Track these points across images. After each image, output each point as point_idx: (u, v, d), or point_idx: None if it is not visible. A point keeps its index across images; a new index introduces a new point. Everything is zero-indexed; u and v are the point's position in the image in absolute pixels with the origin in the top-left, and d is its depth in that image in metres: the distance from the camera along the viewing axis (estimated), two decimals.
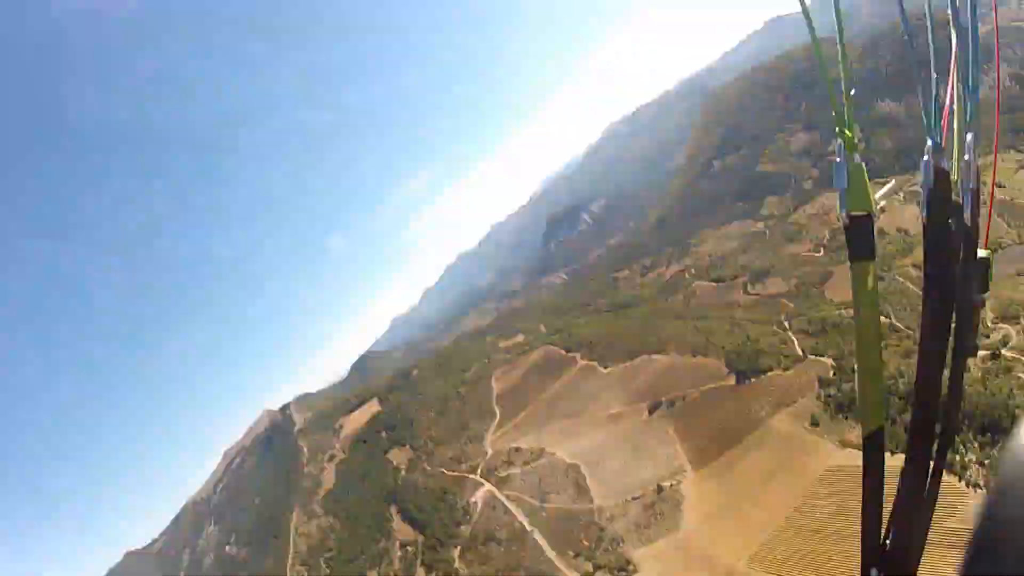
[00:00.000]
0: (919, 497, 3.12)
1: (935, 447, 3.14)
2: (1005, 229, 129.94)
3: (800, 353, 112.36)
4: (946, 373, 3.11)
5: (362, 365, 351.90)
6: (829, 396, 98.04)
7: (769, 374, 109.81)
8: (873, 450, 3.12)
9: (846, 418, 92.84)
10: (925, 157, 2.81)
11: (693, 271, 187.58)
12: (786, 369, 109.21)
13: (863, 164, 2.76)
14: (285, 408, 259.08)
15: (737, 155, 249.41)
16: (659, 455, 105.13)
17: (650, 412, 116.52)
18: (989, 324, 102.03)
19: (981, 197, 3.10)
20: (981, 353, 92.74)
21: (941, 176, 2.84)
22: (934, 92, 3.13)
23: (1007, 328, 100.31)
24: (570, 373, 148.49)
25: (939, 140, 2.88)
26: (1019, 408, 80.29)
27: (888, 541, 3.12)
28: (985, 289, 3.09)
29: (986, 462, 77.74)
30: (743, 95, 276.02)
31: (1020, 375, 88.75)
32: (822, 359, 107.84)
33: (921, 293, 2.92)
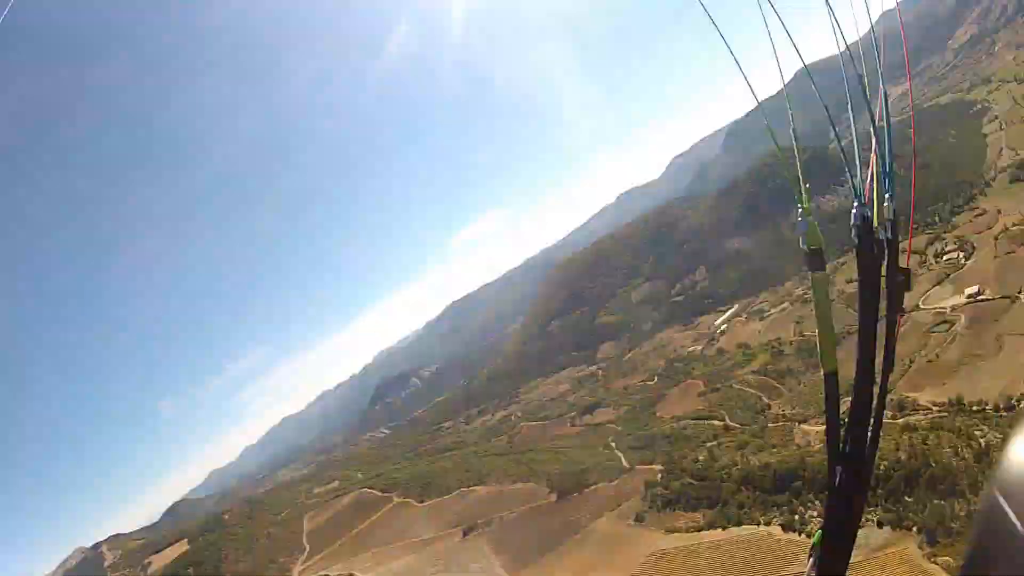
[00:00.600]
0: (866, 418, 4.12)
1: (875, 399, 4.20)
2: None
3: (626, 465, 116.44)
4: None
5: (175, 510, 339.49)
6: (656, 495, 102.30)
7: (594, 487, 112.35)
8: (831, 384, 4.19)
9: (674, 510, 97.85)
10: (854, 209, 4.30)
11: (519, 414, 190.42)
12: (611, 480, 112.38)
13: (816, 221, 4.21)
14: (97, 546, 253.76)
15: (576, 314, 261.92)
16: (472, 569, 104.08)
17: (464, 534, 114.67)
18: None
19: (899, 240, 4.54)
20: (822, 427, 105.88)
21: (865, 222, 4.29)
22: (859, 168, 4.75)
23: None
24: (384, 510, 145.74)
25: (863, 198, 4.38)
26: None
27: (846, 447, 4.11)
28: (902, 302, 4.46)
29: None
30: (588, 262, 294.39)
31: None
32: (651, 466, 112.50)
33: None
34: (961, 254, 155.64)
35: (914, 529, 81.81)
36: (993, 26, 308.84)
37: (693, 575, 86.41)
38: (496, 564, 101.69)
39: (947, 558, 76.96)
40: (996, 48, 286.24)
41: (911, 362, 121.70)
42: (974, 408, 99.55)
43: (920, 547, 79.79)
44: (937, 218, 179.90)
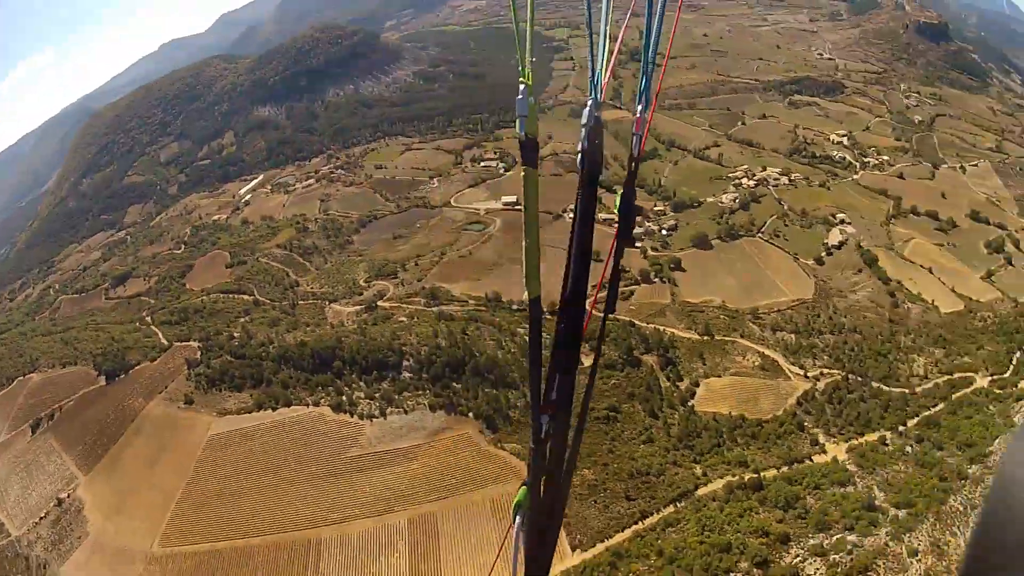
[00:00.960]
0: (570, 365, 4.11)
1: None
2: (383, 202, 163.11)
3: (165, 342, 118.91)
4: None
5: None
6: (200, 375, 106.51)
7: (138, 366, 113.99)
8: (535, 313, 4.02)
9: (220, 390, 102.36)
10: (588, 106, 4.11)
11: (57, 286, 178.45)
12: (153, 360, 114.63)
13: (536, 103, 3.99)
14: None
15: (107, 171, 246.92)
16: (50, 470, 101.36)
17: (33, 431, 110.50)
18: (362, 283, 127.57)
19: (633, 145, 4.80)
20: (355, 308, 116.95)
21: (597, 120, 4.14)
22: (600, 61, 4.65)
23: (384, 283, 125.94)
24: None
25: (599, 99, 4.24)
26: (404, 345, 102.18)
27: (552, 392, 4.08)
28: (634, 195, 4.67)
29: (376, 396, 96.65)
30: (122, 114, 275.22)
31: (402, 319, 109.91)
32: (189, 343, 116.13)
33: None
34: (501, 164, 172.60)
35: (470, 415, 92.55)
36: None
37: (253, 460, 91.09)
38: (70, 464, 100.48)
39: (514, 445, 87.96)
40: None
41: (443, 254, 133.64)
42: (515, 307, 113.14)
43: (481, 432, 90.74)
44: (480, 127, 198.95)
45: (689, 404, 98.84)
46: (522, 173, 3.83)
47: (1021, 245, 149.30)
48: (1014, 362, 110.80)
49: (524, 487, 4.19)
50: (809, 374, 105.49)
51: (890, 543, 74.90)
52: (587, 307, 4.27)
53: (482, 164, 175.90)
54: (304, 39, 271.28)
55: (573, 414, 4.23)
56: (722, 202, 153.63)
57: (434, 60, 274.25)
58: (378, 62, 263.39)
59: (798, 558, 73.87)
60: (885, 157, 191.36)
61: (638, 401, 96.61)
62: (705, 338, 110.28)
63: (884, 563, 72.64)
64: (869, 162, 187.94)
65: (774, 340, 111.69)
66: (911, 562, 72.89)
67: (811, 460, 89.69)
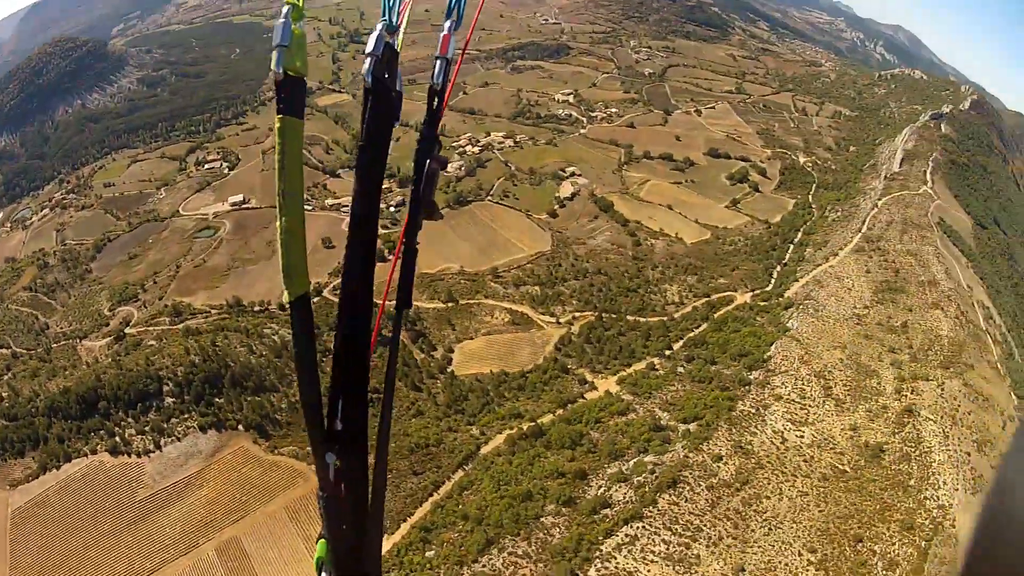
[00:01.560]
0: (358, 384, 3.17)
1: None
2: (115, 222, 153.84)
3: None
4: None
5: None
6: None
7: None
8: (302, 317, 3.10)
9: (5, 460, 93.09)
10: (378, 30, 3.13)
11: None
12: None
13: (305, 32, 3.04)
14: None
15: None
16: None
17: None
18: (107, 312, 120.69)
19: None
20: (105, 341, 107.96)
21: (389, 50, 3.16)
22: None
23: (128, 309, 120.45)
24: None
25: (394, 22, 3.26)
26: (160, 370, 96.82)
27: (339, 420, 3.16)
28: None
29: (147, 429, 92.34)
30: None
31: (152, 343, 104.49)
32: None
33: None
34: (225, 164, 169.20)
35: (240, 427, 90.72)
36: None
37: (55, 527, 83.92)
38: None
39: (290, 447, 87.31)
40: None
41: (178, 267, 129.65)
42: (256, 308, 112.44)
43: (256, 442, 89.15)
44: (202, 128, 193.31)
45: (449, 371, 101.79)
46: (276, 124, 2.94)
47: (768, 172, 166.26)
48: (774, 276, 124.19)
49: (322, 540, 3.44)
50: (561, 320, 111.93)
51: (690, 454, 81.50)
52: (374, 304, 3.36)
53: (207, 167, 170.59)
54: (39, 57, 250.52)
55: (371, 444, 3.40)
56: (447, 172, 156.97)
57: (157, 63, 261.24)
58: (104, 72, 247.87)
59: (601, 489, 78.39)
60: (614, 110, 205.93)
61: (397, 378, 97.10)
62: (450, 304, 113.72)
63: (691, 473, 79.21)
64: (596, 116, 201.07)
65: (519, 295, 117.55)
66: (718, 466, 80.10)
67: (584, 398, 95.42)
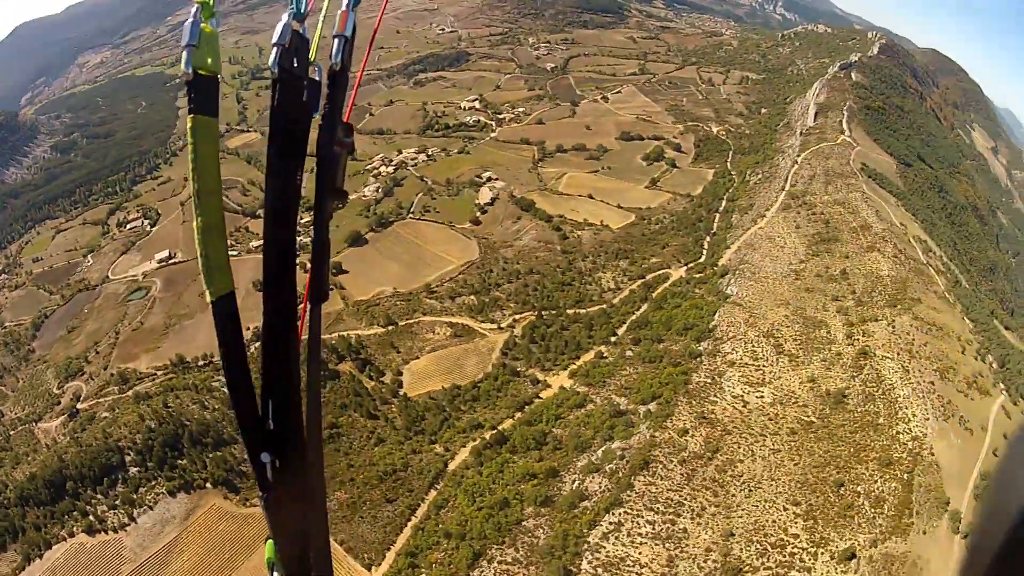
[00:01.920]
0: (286, 381, 3.17)
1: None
2: (49, 297, 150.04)
3: None
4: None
5: None
6: None
7: None
8: (227, 318, 3.07)
9: None
10: (284, 19, 3.06)
11: None
12: None
13: (217, 31, 3.05)
14: None
15: None
16: None
17: None
18: (56, 390, 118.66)
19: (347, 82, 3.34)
20: (60, 420, 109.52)
21: (298, 38, 3.09)
22: None
23: (76, 383, 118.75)
24: None
25: (302, 10, 3.18)
26: (119, 441, 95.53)
27: (269, 419, 3.16)
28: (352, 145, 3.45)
29: (117, 503, 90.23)
30: None
31: (105, 415, 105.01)
32: None
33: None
34: (146, 221, 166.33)
35: (208, 485, 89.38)
36: (227, 11, 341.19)
37: None
38: None
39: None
40: (220, 30, 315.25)
41: (117, 333, 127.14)
42: (201, 363, 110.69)
43: (226, 498, 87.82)
44: (119, 188, 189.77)
45: (401, 394, 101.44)
46: (188, 123, 2.94)
47: (683, 147, 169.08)
48: (705, 247, 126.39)
49: (269, 541, 3.53)
50: (503, 325, 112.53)
51: (655, 434, 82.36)
52: (297, 300, 3.30)
53: (128, 227, 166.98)
54: None
55: (307, 442, 3.34)
56: (365, 195, 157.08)
57: (68, 128, 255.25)
58: (18, 144, 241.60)
59: (576, 482, 78.86)
60: (521, 109, 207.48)
61: (352, 409, 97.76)
62: (390, 328, 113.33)
63: (660, 451, 79.99)
64: (505, 118, 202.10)
65: (456, 307, 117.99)
66: (686, 440, 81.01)
67: (540, 398, 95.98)
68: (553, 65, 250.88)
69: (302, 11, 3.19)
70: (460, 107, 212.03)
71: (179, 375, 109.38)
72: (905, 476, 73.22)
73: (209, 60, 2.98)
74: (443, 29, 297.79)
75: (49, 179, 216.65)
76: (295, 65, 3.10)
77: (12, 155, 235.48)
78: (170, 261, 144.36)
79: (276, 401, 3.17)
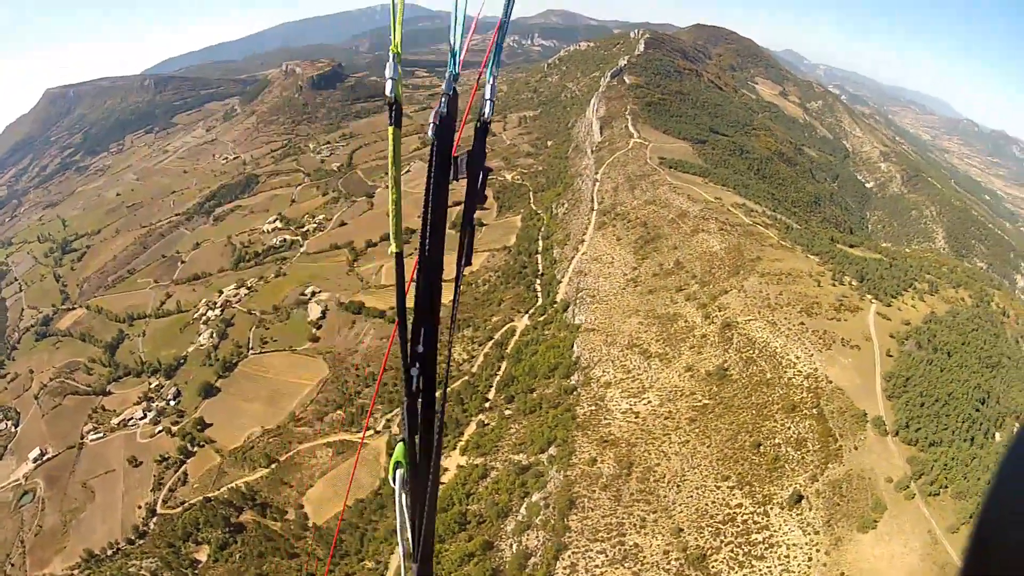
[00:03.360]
0: (431, 317, 4.33)
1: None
2: None
3: None
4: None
5: None
6: None
7: None
8: (400, 268, 4.29)
9: None
10: (448, 73, 4.18)
11: None
12: None
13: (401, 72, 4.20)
14: None
15: None
16: None
17: None
18: None
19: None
20: None
21: (452, 105, 4.15)
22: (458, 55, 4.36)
23: None
24: None
25: (454, 87, 4.20)
26: None
27: (419, 347, 4.30)
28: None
29: None
30: None
31: None
32: None
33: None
34: (9, 423, 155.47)
35: None
36: (24, 188, 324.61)
37: None
38: None
39: None
40: (22, 210, 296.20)
41: (23, 542, 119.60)
42: (109, 552, 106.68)
43: None
44: None
45: (311, 525, 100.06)
46: (389, 133, 4.08)
47: (484, 203, 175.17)
48: (539, 289, 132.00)
49: (401, 443, 4.40)
50: (378, 429, 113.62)
51: (567, 473, 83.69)
52: (442, 266, 4.33)
53: None
54: None
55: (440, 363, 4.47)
56: (201, 344, 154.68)
57: None
58: None
59: (514, 546, 79.13)
60: (322, 216, 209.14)
61: (270, 555, 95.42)
62: (274, 466, 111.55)
63: (580, 487, 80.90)
64: (308, 230, 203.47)
65: (327, 426, 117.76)
66: (599, 468, 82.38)
67: (442, 484, 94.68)
68: (339, 164, 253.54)
69: (456, 73, 4.27)
70: (264, 231, 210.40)
71: (95, 570, 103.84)
72: (814, 411, 77.80)
73: (399, 91, 4.14)
74: (226, 158, 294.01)
75: None
76: (447, 111, 4.16)
77: None
78: (44, 458, 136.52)
79: (425, 331, 4.32)
